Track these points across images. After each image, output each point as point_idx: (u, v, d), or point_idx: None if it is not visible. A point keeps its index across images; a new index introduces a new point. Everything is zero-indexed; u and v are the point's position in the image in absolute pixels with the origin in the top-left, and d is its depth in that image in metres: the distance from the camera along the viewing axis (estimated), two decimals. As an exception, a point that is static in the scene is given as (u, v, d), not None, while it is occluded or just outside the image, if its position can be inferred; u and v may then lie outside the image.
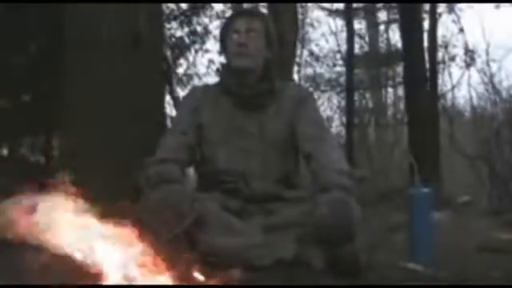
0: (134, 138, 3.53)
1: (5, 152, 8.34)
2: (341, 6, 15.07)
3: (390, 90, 20.36)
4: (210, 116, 2.81)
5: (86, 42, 3.82)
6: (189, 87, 12.13)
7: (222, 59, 3.08)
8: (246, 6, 11.33)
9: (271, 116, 2.78)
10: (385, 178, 17.69)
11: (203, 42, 11.33)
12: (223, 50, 2.95)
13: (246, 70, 2.80)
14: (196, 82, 12.83)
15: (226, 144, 2.76)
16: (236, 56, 2.80)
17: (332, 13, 16.73)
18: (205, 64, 13.11)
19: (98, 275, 1.75)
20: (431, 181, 7.51)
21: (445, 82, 17.20)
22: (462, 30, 14.50)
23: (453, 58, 15.50)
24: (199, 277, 1.85)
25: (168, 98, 10.22)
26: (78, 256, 1.76)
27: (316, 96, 16.86)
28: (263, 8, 13.11)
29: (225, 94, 2.84)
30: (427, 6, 12.05)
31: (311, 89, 16.64)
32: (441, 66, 14.98)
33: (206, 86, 3.05)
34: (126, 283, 1.74)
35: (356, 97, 16.03)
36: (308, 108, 2.83)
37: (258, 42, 2.82)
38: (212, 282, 1.87)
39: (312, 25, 17.69)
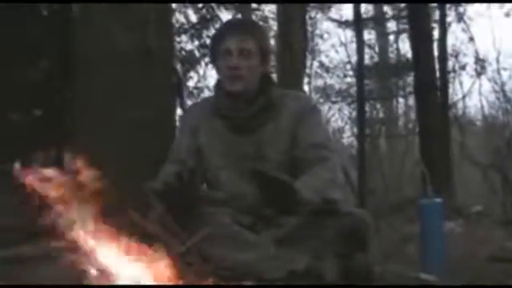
0: (146, 150, 3.54)
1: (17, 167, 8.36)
2: (350, 16, 15.08)
3: (400, 99, 20.36)
4: (207, 139, 2.72)
5: (97, 55, 3.84)
6: (199, 100, 12.18)
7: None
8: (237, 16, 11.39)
9: (269, 136, 2.66)
10: (397, 189, 17.65)
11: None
12: (214, 65, 2.81)
13: (239, 93, 2.65)
14: (206, 94, 12.86)
15: (226, 168, 2.68)
16: (228, 80, 2.65)
17: (341, 24, 16.76)
18: (215, 77, 13.12)
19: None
20: (443, 190, 7.51)
21: (456, 91, 17.21)
22: (472, 39, 14.51)
23: (463, 67, 15.52)
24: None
25: (179, 110, 10.24)
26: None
27: (326, 107, 16.89)
28: (272, 20, 13.27)
29: (218, 116, 2.72)
30: (437, 16, 12.05)
31: (321, 100, 16.66)
32: (451, 75, 14.97)
33: (203, 103, 2.93)
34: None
35: (367, 107, 16.02)
36: (308, 127, 2.67)
37: (251, 62, 2.64)
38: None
39: (321, 36, 17.75)
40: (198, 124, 2.75)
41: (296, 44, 7.99)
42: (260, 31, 2.80)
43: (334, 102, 17.85)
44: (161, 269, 1.78)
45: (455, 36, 15.39)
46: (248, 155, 2.65)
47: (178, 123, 3.98)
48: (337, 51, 18.52)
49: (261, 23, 12.53)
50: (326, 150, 2.65)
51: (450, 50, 13.62)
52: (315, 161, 2.58)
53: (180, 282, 1.78)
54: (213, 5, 10.62)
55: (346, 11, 16.53)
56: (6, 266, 3.87)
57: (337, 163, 2.65)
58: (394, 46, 19.21)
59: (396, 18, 16.55)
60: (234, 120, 2.68)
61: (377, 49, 18.80)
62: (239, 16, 11.82)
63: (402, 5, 14.05)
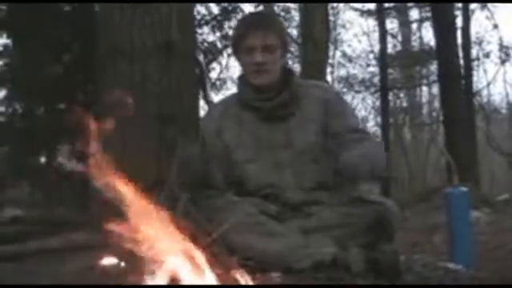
0: (168, 142, 3.55)
1: (42, 160, 8.45)
2: (372, 6, 15.01)
3: (424, 88, 20.25)
4: (234, 136, 2.74)
5: (120, 49, 3.85)
6: (222, 91, 12.23)
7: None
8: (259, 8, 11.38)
9: (297, 124, 2.70)
10: (422, 178, 17.58)
11: (235, 47, 11.33)
12: (237, 59, 2.82)
13: (265, 87, 2.71)
14: (229, 85, 12.89)
15: (255, 161, 2.69)
16: (254, 74, 2.69)
17: (364, 13, 16.65)
18: (237, 68, 13.16)
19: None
20: (469, 179, 7.46)
21: (480, 78, 17.09)
22: (496, 26, 14.35)
23: (487, 55, 15.39)
24: (240, 279, 1.85)
25: (202, 102, 10.27)
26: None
27: (350, 97, 16.84)
28: (294, 10, 13.23)
29: (245, 108, 2.76)
30: (460, 3, 11.95)
31: (345, 89, 16.62)
32: (475, 62, 14.86)
33: (224, 103, 2.90)
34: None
35: (390, 96, 15.94)
36: (342, 115, 2.71)
37: (275, 56, 2.68)
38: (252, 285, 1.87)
39: (344, 26, 17.68)
40: (220, 125, 2.77)
41: (318, 34, 7.96)
42: (279, 25, 2.84)
43: (357, 92, 17.78)
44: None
45: (479, 23, 15.32)
46: (277, 143, 2.68)
47: (201, 116, 3.98)
48: (359, 41, 18.61)
49: (283, 14, 12.53)
50: (364, 133, 2.71)
51: (473, 37, 13.55)
52: (356, 141, 2.59)
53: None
54: (234, -4, 10.61)
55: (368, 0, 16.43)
56: (32, 258, 3.92)
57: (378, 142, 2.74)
58: (417, 34, 19.09)
59: (419, 6, 16.43)
60: (262, 110, 2.72)
61: (400, 37, 18.69)
62: (261, 8, 11.80)
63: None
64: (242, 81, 2.81)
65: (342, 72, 18.47)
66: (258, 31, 2.67)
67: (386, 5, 14.55)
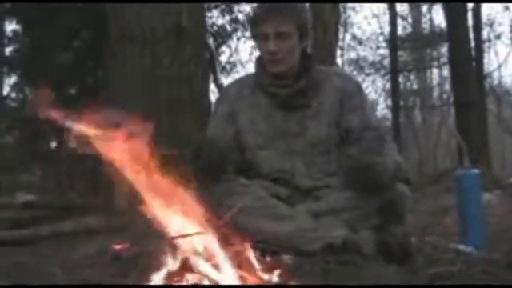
0: (178, 126, 3.56)
1: (54, 145, 8.49)
2: (382, -13, 14.92)
3: (434, 70, 20.15)
4: (248, 120, 2.71)
5: (130, 34, 3.86)
6: (232, 75, 12.22)
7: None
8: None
9: (313, 114, 2.66)
10: (433, 160, 17.54)
11: (245, 30, 11.35)
12: (254, 40, 2.75)
13: (281, 74, 2.65)
14: (239, 68, 12.88)
15: (268, 147, 2.68)
16: (268, 62, 2.63)
17: (374, -5, 16.54)
18: (247, 51, 13.18)
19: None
20: (480, 161, 7.44)
21: (491, 60, 17.01)
22: (507, 8, 14.25)
23: (498, 36, 15.31)
24: (253, 260, 1.87)
25: (212, 86, 10.28)
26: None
27: (360, 79, 16.78)
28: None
29: (261, 92, 2.71)
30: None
31: (355, 72, 16.57)
32: (486, 44, 14.77)
33: (239, 84, 2.84)
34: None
35: (401, 79, 15.90)
36: (360, 110, 2.68)
37: (289, 44, 2.60)
38: (263, 267, 1.88)
39: (354, 8, 17.56)
40: (234, 108, 2.73)
41: (328, 17, 7.92)
42: (296, 10, 2.70)
43: (367, 75, 17.71)
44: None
45: (490, 5, 15.18)
46: (291, 131, 2.65)
47: (212, 100, 3.98)
48: (369, 23, 18.53)
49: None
50: (379, 131, 2.64)
51: (484, 19, 13.44)
52: (373, 141, 2.56)
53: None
54: (244, -21, 10.58)
55: (378, -18, 16.32)
56: (45, 242, 3.95)
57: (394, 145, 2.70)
58: (428, 16, 18.98)
59: (429, -13, 16.33)
60: (279, 96, 2.67)
61: (410, 19, 18.60)
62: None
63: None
64: (260, 63, 2.74)
65: (352, 55, 18.42)
66: (271, 18, 2.59)
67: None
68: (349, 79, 2.81)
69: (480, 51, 11.68)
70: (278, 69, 2.63)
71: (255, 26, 2.66)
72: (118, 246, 2.68)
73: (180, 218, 1.83)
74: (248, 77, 2.87)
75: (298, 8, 2.73)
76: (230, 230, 1.91)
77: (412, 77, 19.38)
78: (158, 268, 1.81)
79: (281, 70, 2.63)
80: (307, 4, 7.04)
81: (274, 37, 2.58)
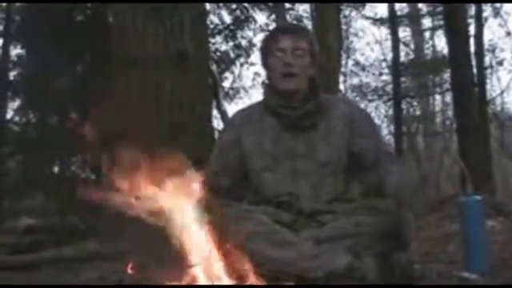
0: (183, 151, 3.56)
1: (56, 169, 8.50)
2: (385, 14, 15.00)
3: (437, 96, 20.15)
4: (253, 143, 2.73)
5: (133, 60, 3.87)
6: (235, 101, 12.27)
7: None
8: (288, 20, 11.44)
9: (321, 137, 2.68)
10: (435, 187, 17.50)
11: (248, 56, 11.42)
12: (265, 66, 2.83)
13: (292, 92, 2.70)
14: (242, 94, 12.91)
15: (273, 169, 2.68)
16: (282, 78, 2.68)
17: (376, 21, 16.64)
18: (250, 77, 13.22)
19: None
20: (483, 188, 7.41)
21: (493, 86, 16.96)
22: (509, 34, 14.33)
23: (501, 63, 15.34)
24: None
25: (215, 111, 10.29)
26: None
27: (363, 105, 16.80)
28: (306, 19, 13.26)
29: (269, 115, 2.74)
30: (473, 11, 11.93)
31: (358, 98, 16.60)
32: (488, 70, 14.79)
33: (247, 111, 2.89)
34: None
35: (403, 105, 15.90)
36: (371, 137, 2.73)
37: (303, 61, 2.69)
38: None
39: (356, 34, 17.66)
40: (240, 131, 2.76)
41: (331, 42, 7.96)
42: (311, 34, 2.86)
43: (370, 101, 17.70)
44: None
45: (492, 31, 15.25)
46: (298, 153, 2.67)
47: (215, 126, 3.98)
48: (372, 49, 18.47)
49: (295, 22, 12.55)
50: (390, 156, 2.77)
51: (486, 45, 13.48)
52: (385, 164, 2.63)
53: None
54: (246, 5, 10.65)
55: (381, 9, 16.45)
56: (47, 267, 3.93)
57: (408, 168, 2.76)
58: (430, 42, 19.03)
59: (431, 14, 16.39)
60: (287, 118, 2.70)
61: (412, 46, 18.65)
62: (273, 17, 11.84)
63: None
64: (269, 87, 2.80)
65: (355, 81, 18.44)
66: (289, 34, 2.72)
67: (399, 13, 14.55)
68: (356, 106, 2.92)
69: (482, 77, 11.70)
70: (290, 85, 2.67)
71: (273, 41, 2.74)
72: (130, 270, 2.66)
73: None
74: (255, 104, 2.90)
75: (311, 33, 2.91)
76: (235, 255, 1.90)
77: (415, 103, 19.38)
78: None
79: (293, 86, 2.67)
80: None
81: (291, 51, 2.67)
